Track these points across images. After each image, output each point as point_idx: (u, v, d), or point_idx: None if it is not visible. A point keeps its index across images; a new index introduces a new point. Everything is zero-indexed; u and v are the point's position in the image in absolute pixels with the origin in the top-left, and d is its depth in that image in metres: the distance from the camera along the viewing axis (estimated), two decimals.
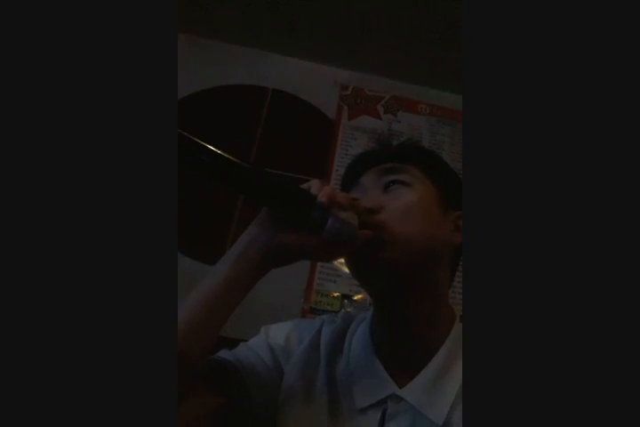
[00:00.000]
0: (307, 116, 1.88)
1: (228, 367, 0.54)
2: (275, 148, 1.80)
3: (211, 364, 0.53)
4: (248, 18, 1.78)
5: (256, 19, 1.78)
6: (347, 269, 0.67)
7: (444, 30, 1.69)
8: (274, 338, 0.62)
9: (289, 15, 1.74)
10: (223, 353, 0.57)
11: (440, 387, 0.52)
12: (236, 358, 0.56)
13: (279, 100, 1.88)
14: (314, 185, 0.49)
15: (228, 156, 0.45)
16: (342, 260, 0.59)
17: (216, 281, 0.47)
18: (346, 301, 1.58)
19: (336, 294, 1.58)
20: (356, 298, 1.57)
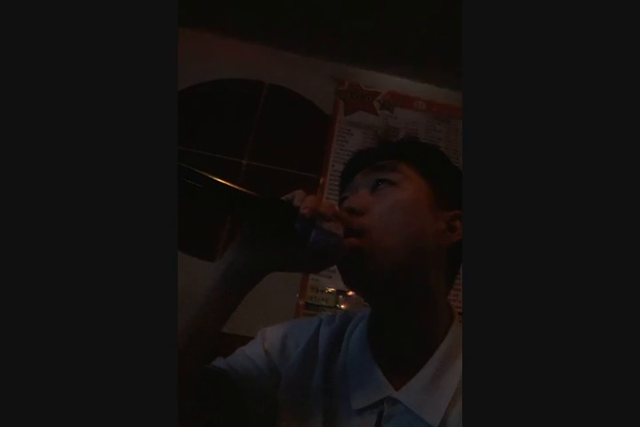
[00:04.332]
0: (303, 111, 1.87)
1: (222, 377, 0.54)
2: (271, 142, 1.79)
3: (205, 374, 0.53)
4: (245, 12, 1.77)
5: (253, 13, 1.77)
6: None
7: (441, 26, 1.68)
8: (270, 342, 0.61)
9: (286, 9, 1.73)
10: (218, 362, 0.57)
11: (436, 389, 0.52)
12: (230, 367, 0.56)
13: (275, 95, 1.87)
14: (297, 196, 0.48)
15: (204, 173, 0.44)
16: None
17: (203, 300, 0.47)
18: (341, 296, 1.58)
19: (331, 290, 1.58)
20: (350, 293, 1.57)
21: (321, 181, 1.74)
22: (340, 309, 1.55)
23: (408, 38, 1.79)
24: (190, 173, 0.43)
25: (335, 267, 0.55)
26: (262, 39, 1.90)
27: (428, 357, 0.55)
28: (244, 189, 0.45)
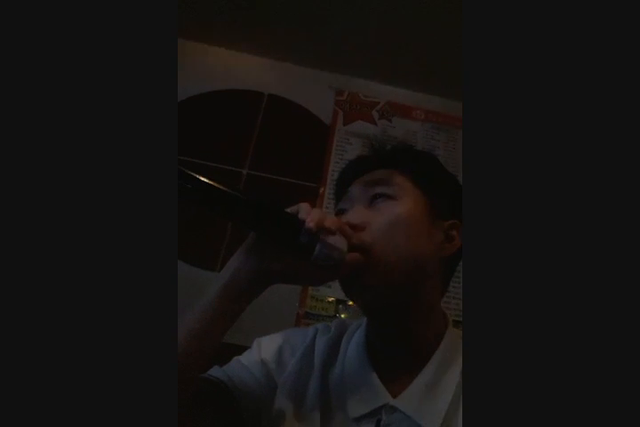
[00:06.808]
0: (302, 121, 1.88)
1: (218, 386, 0.54)
2: (270, 152, 1.80)
3: (201, 383, 0.53)
4: (245, 23, 1.79)
5: (253, 24, 1.79)
6: None
7: (440, 36, 1.70)
8: (266, 352, 0.61)
9: (285, 21, 1.75)
10: (214, 371, 0.57)
11: (434, 395, 0.52)
12: (226, 376, 0.56)
13: (275, 105, 1.89)
14: (302, 209, 0.48)
15: (211, 182, 0.43)
16: None
17: (205, 310, 0.47)
18: (340, 305, 1.57)
19: (331, 299, 1.58)
20: (350, 303, 1.57)
21: (320, 190, 1.75)
22: (340, 318, 1.55)
23: (407, 48, 1.81)
24: (200, 183, 0.43)
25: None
26: (261, 50, 1.92)
27: (424, 363, 0.55)
28: (251, 200, 0.45)
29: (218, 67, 1.90)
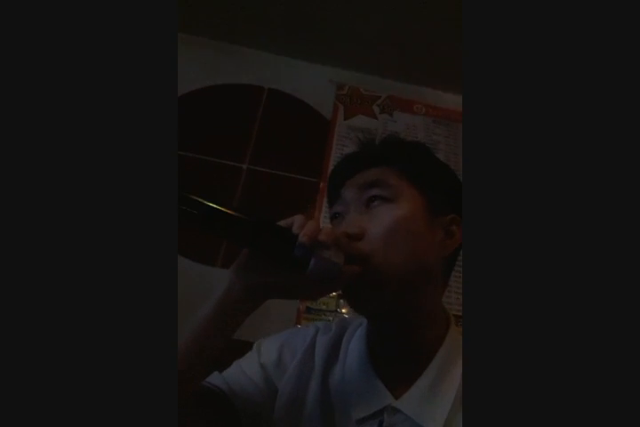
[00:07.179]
0: (302, 116, 1.88)
1: (217, 395, 0.54)
2: (270, 147, 1.79)
3: (200, 391, 0.53)
4: (245, 17, 1.78)
5: (253, 18, 1.78)
6: None
7: (441, 30, 1.69)
8: (266, 356, 0.61)
9: (285, 15, 1.74)
10: (214, 378, 0.57)
11: (436, 396, 0.52)
12: (225, 384, 0.56)
13: (275, 100, 1.88)
14: (296, 222, 0.47)
15: (202, 200, 0.43)
16: None
17: (201, 325, 0.47)
18: (341, 300, 1.57)
19: (332, 294, 1.58)
20: None
21: (321, 185, 1.74)
22: (341, 313, 1.55)
23: (407, 42, 1.79)
24: (187, 199, 0.42)
25: None
26: (262, 44, 1.91)
27: (426, 364, 0.54)
28: (242, 216, 0.44)
29: (217, 61, 1.89)
